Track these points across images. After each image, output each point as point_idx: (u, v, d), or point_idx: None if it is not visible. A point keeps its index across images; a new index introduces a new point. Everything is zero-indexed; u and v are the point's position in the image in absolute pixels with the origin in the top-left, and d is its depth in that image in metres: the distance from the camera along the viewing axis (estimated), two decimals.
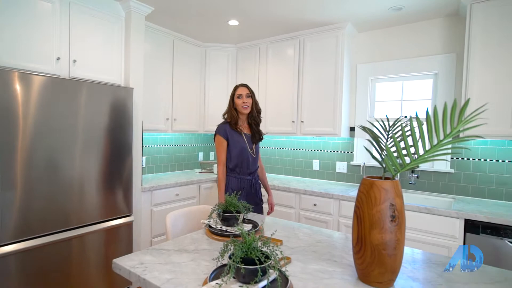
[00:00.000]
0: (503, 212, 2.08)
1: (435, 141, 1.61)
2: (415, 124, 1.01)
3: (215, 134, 2.13)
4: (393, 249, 0.97)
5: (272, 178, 3.37)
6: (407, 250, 1.35)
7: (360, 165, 3.08)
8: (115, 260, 1.14)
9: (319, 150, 3.37)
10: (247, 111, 2.10)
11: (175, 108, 3.36)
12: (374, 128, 1.16)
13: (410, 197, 2.71)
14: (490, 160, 2.48)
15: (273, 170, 3.72)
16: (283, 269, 1.04)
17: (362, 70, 3.10)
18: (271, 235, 1.27)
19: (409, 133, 0.98)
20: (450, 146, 2.21)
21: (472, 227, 2.04)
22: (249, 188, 2.15)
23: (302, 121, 3.12)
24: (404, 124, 1.00)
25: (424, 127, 0.95)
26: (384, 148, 0.98)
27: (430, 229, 2.18)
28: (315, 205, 2.73)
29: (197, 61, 3.61)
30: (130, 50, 2.58)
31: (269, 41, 3.39)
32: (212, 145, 4.27)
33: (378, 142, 1.07)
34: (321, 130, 3.01)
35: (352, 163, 3.14)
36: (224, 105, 3.77)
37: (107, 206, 2.35)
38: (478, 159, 2.52)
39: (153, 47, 3.10)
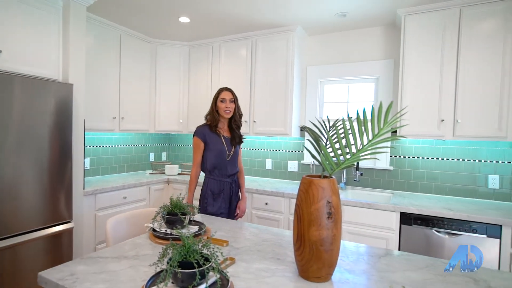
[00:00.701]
0: (432, 204, 2.31)
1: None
2: (351, 124, 1.07)
3: (193, 136, 2.15)
4: (330, 244, 1.02)
5: None
6: (345, 244, 1.42)
7: (310, 164, 3.19)
8: (41, 273, 1.04)
9: (271, 150, 3.43)
10: (229, 116, 2.12)
11: (123, 106, 3.18)
12: (315, 128, 1.21)
13: (355, 193, 2.88)
14: (422, 158, 2.73)
15: None
16: (226, 270, 1.03)
17: (312, 72, 3.22)
18: (212, 235, 1.25)
19: (349, 132, 1.03)
20: (386, 144, 2.38)
21: (406, 219, 2.23)
22: (229, 190, 2.15)
23: (254, 121, 3.15)
24: (339, 125, 1.06)
25: (371, 125, 1.00)
26: (321, 147, 1.02)
27: (371, 223, 2.34)
28: (266, 204, 2.77)
29: (147, 57, 3.46)
30: (69, 43, 2.38)
31: (222, 40, 3.36)
32: (164, 145, 4.13)
33: (317, 142, 1.11)
34: (273, 130, 3.07)
35: (302, 162, 3.25)
36: (176, 104, 3.69)
37: (45, 212, 2.15)
38: (413, 157, 2.76)
39: (97, 41, 2.90)
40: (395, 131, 2.65)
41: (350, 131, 0.99)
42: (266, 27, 3.04)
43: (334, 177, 1.08)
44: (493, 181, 2.50)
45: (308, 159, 3.23)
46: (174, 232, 1.42)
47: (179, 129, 3.65)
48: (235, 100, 2.14)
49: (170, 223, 1.44)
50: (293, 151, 3.31)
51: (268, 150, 3.45)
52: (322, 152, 1.02)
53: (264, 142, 3.47)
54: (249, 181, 3.18)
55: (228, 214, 2.15)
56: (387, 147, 0.85)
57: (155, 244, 1.35)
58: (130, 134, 3.64)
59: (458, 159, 2.61)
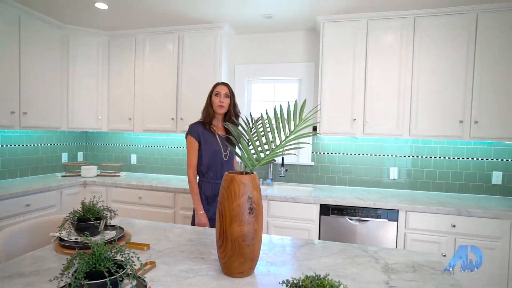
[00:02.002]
0: (346, 195, 2.56)
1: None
2: (270, 122, 1.11)
3: (186, 135, 1.98)
4: (251, 239, 1.04)
5: (150, 179, 3.17)
6: (271, 238, 1.48)
7: (237, 162, 3.24)
8: None
9: None
10: (223, 111, 1.97)
11: (25, 99, 2.74)
12: (240, 126, 1.22)
13: (281, 189, 3.02)
14: (339, 154, 3.01)
15: (152, 169, 3.51)
16: (144, 276, 0.97)
17: (240, 71, 3.26)
18: (128, 240, 1.17)
19: (264, 130, 1.06)
20: (304, 140, 2.55)
21: (325, 210, 2.43)
22: None
23: (181, 119, 3.05)
24: (259, 123, 1.09)
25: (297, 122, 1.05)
26: (242, 144, 1.04)
27: (296, 216, 2.48)
28: None
29: (57, 45, 3.04)
30: None
31: (147, 32, 3.16)
32: (80, 144, 3.70)
33: (239, 139, 1.12)
34: None
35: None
36: (93, 99, 3.33)
37: None
38: (331, 153, 3.03)
39: None
40: (315, 129, 2.86)
41: (269, 129, 1.03)
42: (194, 22, 2.97)
43: (255, 172, 1.10)
44: (393, 173, 2.90)
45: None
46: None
47: (97, 127, 3.31)
48: (231, 95, 1.99)
49: (81, 230, 1.29)
50: None
51: None
52: (243, 148, 1.03)
53: None
54: (177, 181, 3.07)
55: None
56: (305, 143, 0.91)
57: (63, 256, 1.20)
58: (37, 132, 3.17)
59: (367, 154, 2.95)
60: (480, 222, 2.18)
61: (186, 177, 3.31)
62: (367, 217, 2.36)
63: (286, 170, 3.06)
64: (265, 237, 1.44)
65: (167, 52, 3.10)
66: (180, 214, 2.76)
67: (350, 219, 2.38)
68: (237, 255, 1.03)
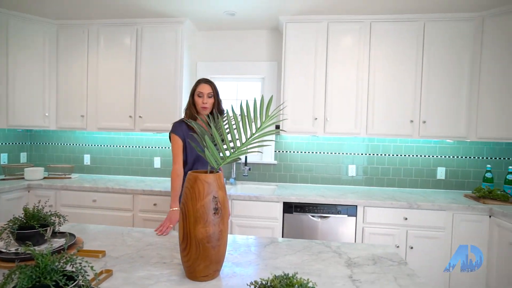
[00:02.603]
0: (308, 193, 2.62)
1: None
2: (238, 119, 1.08)
3: (170, 133, 1.84)
4: (217, 240, 1.01)
5: (106, 180, 2.96)
6: (236, 238, 1.45)
7: None
8: None
9: (160, 147, 3.23)
10: (206, 112, 1.83)
11: None
12: (203, 123, 1.17)
13: (244, 188, 3.01)
14: (301, 152, 3.07)
15: (109, 170, 3.29)
16: (98, 286, 0.89)
17: (202, 68, 3.18)
18: (80, 247, 1.07)
19: (230, 128, 1.03)
20: (269, 138, 2.56)
21: (288, 208, 2.46)
22: None
23: (140, 116, 2.89)
24: (225, 121, 1.05)
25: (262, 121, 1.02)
26: (206, 142, 1.00)
27: (259, 214, 2.48)
28: (155, 205, 2.59)
29: None
30: None
31: (102, 24, 2.95)
32: (23, 144, 3.34)
33: (203, 137, 1.08)
34: (161, 126, 2.88)
35: None
36: (39, 94, 3.01)
37: None
38: (293, 151, 3.08)
39: None
40: (278, 127, 2.89)
41: (234, 126, 1.00)
42: (153, 16, 2.83)
43: (220, 171, 1.07)
44: (352, 170, 3.03)
45: None
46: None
47: (44, 124, 3.02)
48: (214, 94, 1.85)
49: (23, 239, 1.15)
50: None
51: (157, 147, 3.23)
52: (208, 146, 0.99)
53: (152, 139, 3.23)
54: (135, 182, 2.91)
55: None
56: (270, 140, 0.90)
57: (1, 270, 1.06)
58: None
59: (328, 153, 3.05)
60: (428, 214, 2.35)
61: (145, 177, 3.18)
62: (328, 213, 2.43)
63: (249, 169, 3.05)
64: (229, 237, 1.41)
65: (124, 46, 2.92)
66: (139, 217, 2.62)
67: (312, 216, 2.44)
68: (202, 257, 0.98)
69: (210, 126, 1.16)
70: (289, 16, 2.72)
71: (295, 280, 0.68)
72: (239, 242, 1.40)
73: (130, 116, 2.91)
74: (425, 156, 2.96)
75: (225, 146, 1.01)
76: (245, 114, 0.95)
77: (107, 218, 2.63)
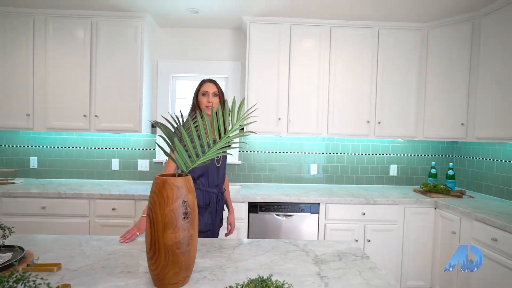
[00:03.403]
0: (272, 192, 2.66)
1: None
2: (208, 120, 1.06)
3: None
4: (187, 245, 0.98)
5: (57, 184, 2.73)
6: (199, 241, 1.42)
7: (162, 162, 3.05)
8: None
9: (118, 148, 3.06)
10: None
11: None
12: (169, 124, 1.13)
13: None
14: (265, 152, 3.11)
15: (60, 174, 3.04)
16: None
17: (163, 66, 3.07)
18: (34, 262, 0.98)
19: (200, 129, 1.01)
20: (237, 140, 2.56)
21: (253, 207, 2.47)
22: (215, 204, 1.77)
23: (96, 116, 2.71)
24: (194, 121, 1.03)
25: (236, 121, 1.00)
26: (175, 144, 0.97)
27: (224, 215, 2.45)
28: (114, 209, 2.44)
29: None
30: None
31: (50, 14, 2.70)
32: None
33: (171, 138, 1.04)
34: (120, 126, 2.73)
35: (154, 160, 3.06)
36: None
37: None
38: (257, 151, 3.11)
39: None
40: (243, 128, 2.89)
41: (205, 127, 0.98)
42: (110, 9, 2.66)
43: (189, 174, 1.04)
44: (313, 169, 3.14)
45: (161, 157, 3.07)
46: None
47: None
48: (219, 94, 1.78)
49: None
50: (144, 149, 3.07)
51: (115, 148, 3.05)
52: (176, 149, 0.96)
53: (110, 139, 3.05)
54: (91, 185, 2.72)
55: (214, 231, 1.78)
56: (242, 142, 0.89)
57: None
58: None
59: (290, 152, 3.13)
60: (383, 209, 2.52)
61: (102, 181, 2.98)
62: (292, 211, 2.50)
63: None
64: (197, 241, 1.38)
65: (77, 39, 2.71)
66: (96, 223, 2.45)
67: (277, 215, 2.49)
68: (171, 264, 0.95)
69: (177, 127, 1.13)
70: (252, 17, 2.73)
71: (271, 283, 0.68)
72: (207, 245, 1.37)
73: (85, 115, 2.71)
74: (379, 154, 3.17)
75: (206, 146, 0.99)
76: (216, 115, 0.94)
77: (59, 226, 2.43)
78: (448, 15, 2.62)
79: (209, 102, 1.74)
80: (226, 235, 1.96)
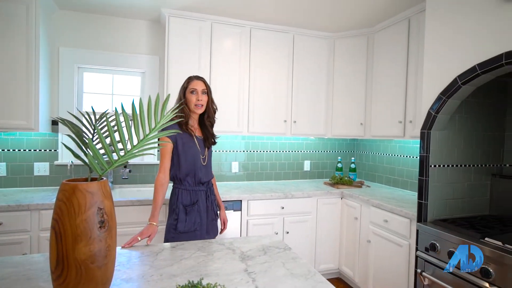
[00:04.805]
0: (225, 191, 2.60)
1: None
2: (122, 118, 0.97)
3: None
4: (104, 258, 0.87)
5: None
6: (118, 250, 1.30)
7: (67, 165, 2.67)
8: None
9: (6, 150, 2.54)
10: (201, 110, 1.75)
11: None
12: (78, 121, 0.99)
13: (125, 192, 2.72)
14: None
15: None
16: None
17: (66, 55, 2.67)
18: None
19: (118, 127, 0.91)
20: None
21: None
22: (205, 201, 1.79)
23: None
24: (110, 119, 0.93)
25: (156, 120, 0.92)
26: (88, 145, 0.85)
27: (144, 220, 2.28)
28: (1, 224, 2.02)
29: None
30: None
31: None
32: None
33: (81, 138, 0.92)
34: (8, 124, 2.27)
35: (56, 163, 2.65)
36: None
37: None
38: None
39: None
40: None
41: (124, 125, 0.89)
42: None
43: (105, 178, 0.93)
44: (235, 167, 3.19)
45: (65, 159, 2.68)
46: None
47: None
48: (208, 91, 1.76)
49: None
50: (42, 150, 2.63)
51: (2, 150, 2.53)
52: (90, 150, 0.85)
53: None
54: None
55: (205, 230, 1.77)
56: (162, 142, 0.84)
57: None
58: None
59: (213, 150, 3.10)
60: (299, 202, 2.73)
61: None
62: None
63: (129, 171, 2.78)
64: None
65: None
66: None
67: None
68: (84, 282, 0.84)
69: (89, 126, 1.00)
70: (172, 10, 2.60)
71: (201, 287, 0.66)
72: (125, 254, 1.26)
73: None
74: (295, 151, 3.42)
75: (112, 148, 0.89)
76: (137, 112, 0.86)
77: None
78: (350, 29, 2.98)
79: (198, 100, 1.72)
80: (220, 232, 1.96)
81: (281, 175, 3.37)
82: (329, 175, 3.52)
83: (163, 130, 1.65)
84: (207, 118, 1.82)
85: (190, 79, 1.77)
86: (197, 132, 1.81)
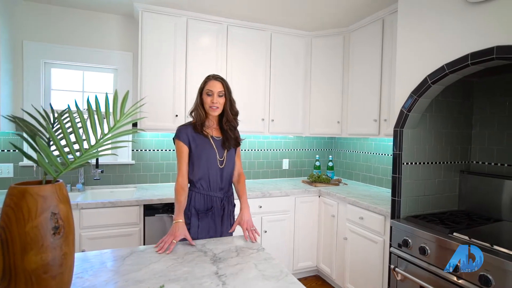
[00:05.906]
0: (170, 192, 2.52)
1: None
2: (83, 115, 0.90)
3: (174, 138, 1.65)
4: (58, 267, 0.81)
5: None
6: (87, 255, 1.23)
7: (33, 166, 2.52)
8: None
9: None
10: (216, 113, 1.62)
11: None
12: (34, 120, 0.92)
13: (96, 193, 2.61)
14: (161, 150, 2.93)
15: None
16: None
17: (31, 49, 2.52)
18: None
19: (72, 125, 0.85)
20: (126, 138, 2.33)
21: (150, 210, 2.30)
22: (220, 209, 1.66)
23: None
24: (66, 117, 0.86)
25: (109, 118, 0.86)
26: (39, 145, 0.79)
27: (116, 222, 2.20)
28: None
29: None
30: None
31: None
32: None
33: (34, 138, 0.85)
34: None
35: (21, 164, 2.50)
36: None
37: None
38: (153, 150, 2.90)
39: None
40: (136, 124, 2.65)
41: (80, 125, 0.83)
42: None
43: (61, 180, 0.87)
44: None
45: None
46: None
47: None
48: (226, 93, 1.62)
49: None
50: (5, 151, 2.47)
51: None
52: (41, 149, 0.79)
53: None
54: None
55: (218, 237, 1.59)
56: (127, 141, 0.79)
57: None
58: None
59: None
60: (277, 201, 2.72)
61: None
62: None
63: (102, 172, 2.66)
64: (78, 256, 1.18)
65: None
66: None
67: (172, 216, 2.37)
68: None
69: (44, 125, 0.93)
70: (145, 4, 2.51)
71: None
72: (91, 260, 1.19)
73: None
74: (273, 150, 3.41)
75: (67, 149, 0.83)
76: (94, 110, 0.80)
77: None
78: (326, 28, 3.00)
79: (213, 102, 1.60)
80: (251, 238, 1.57)
81: (260, 174, 3.35)
82: (308, 174, 3.54)
83: (176, 134, 1.63)
84: (226, 122, 1.67)
85: (207, 79, 1.65)
86: (215, 133, 1.69)
